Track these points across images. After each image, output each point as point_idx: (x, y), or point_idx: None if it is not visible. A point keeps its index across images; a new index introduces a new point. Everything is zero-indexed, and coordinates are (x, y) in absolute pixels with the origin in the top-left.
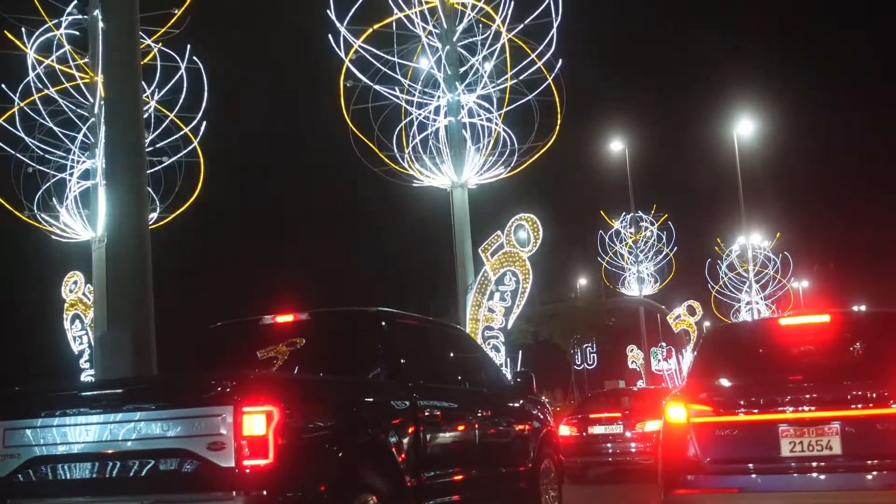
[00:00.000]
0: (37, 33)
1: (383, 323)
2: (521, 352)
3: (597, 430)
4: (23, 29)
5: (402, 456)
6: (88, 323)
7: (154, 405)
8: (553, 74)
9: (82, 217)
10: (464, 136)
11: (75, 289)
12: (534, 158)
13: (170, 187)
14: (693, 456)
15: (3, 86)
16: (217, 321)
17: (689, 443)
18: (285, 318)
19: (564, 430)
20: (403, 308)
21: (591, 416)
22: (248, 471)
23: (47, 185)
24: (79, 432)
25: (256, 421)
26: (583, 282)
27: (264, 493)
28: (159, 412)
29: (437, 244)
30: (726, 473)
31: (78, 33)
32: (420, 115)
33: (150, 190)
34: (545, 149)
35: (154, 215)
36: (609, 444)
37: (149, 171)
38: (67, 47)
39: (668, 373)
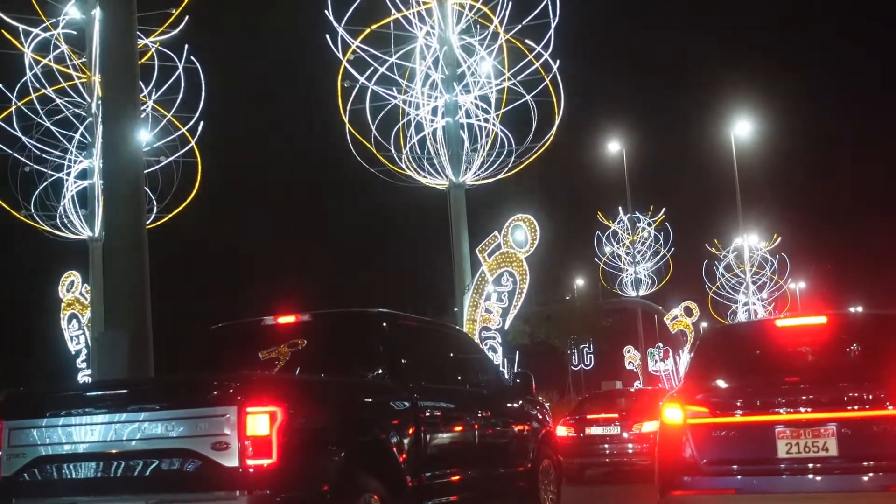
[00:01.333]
0: (34, 33)
1: (384, 324)
2: (517, 352)
3: (594, 430)
4: (20, 28)
5: (403, 456)
6: (85, 323)
7: (158, 405)
8: (550, 75)
9: (79, 217)
10: (461, 137)
11: (72, 288)
12: (531, 159)
13: (167, 187)
14: (690, 457)
15: (0, 85)
16: (216, 322)
17: (686, 444)
18: (287, 320)
19: (562, 431)
20: (400, 309)
21: (589, 416)
22: (251, 470)
23: (45, 184)
24: (84, 432)
25: (260, 421)
26: (580, 282)
27: (267, 492)
28: (164, 412)
29: (435, 245)
30: (723, 475)
31: (75, 33)
32: (418, 115)
33: (147, 190)
34: (542, 149)
35: (151, 215)
36: (606, 445)
37: (146, 171)
38: (65, 47)
39: (665, 374)
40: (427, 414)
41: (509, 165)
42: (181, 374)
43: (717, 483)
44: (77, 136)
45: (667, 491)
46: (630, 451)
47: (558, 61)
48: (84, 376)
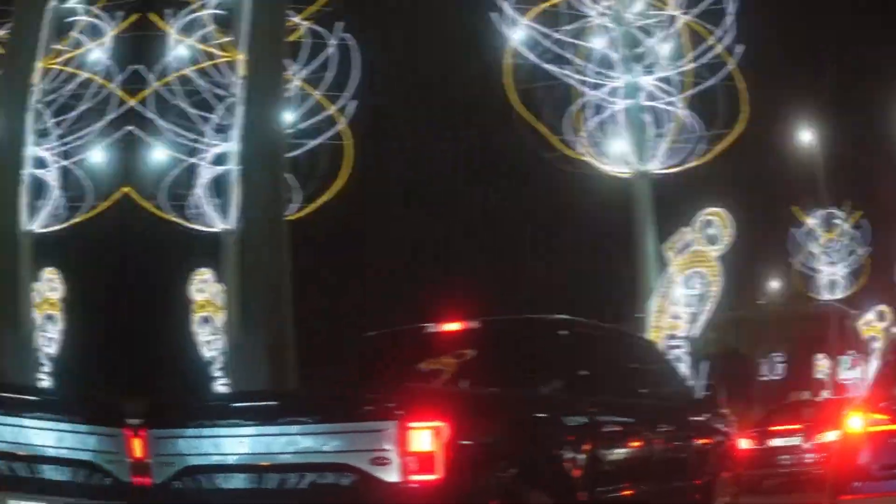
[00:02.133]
0: (182, 13)
1: (563, 332)
2: (705, 362)
3: (775, 442)
4: (168, 11)
5: (576, 473)
6: (220, 326)
7: (315, 418)
8: (735, 60)
9: (214, 207)
10: (643, 120)
11: (205, 288)
12: (724, 146)
13: (313, 173)
14: (864, 463)
15: (140, 67)
16: (367, 328)
17: (862, 451)
18: (451, 327)
19: (743, 443)
20: (574, 314)
21: (771, 428)
22: (414, 486)
23: (177, 170)
24: (235, 443)
25: (423, 436)
26: (773, 285)
27: None
28: (320, 426)
29: (613, 242)
30: (893, 479)
31: (225, 13)
32: (595, 96)
33: (290, 176)
34: (733, 136)
35: (294, 205)
36: (787, 456)
37: (289, 155)
38: (211, 27)
39: (853, 383)
40: (603, 429)
41: (698, 153)
42: (339, 386)
43: (886, 486)
44: (215, 118)
45: (835, 496)
46: (809, 461)
47: (739, 46)
48: (220, 385)
